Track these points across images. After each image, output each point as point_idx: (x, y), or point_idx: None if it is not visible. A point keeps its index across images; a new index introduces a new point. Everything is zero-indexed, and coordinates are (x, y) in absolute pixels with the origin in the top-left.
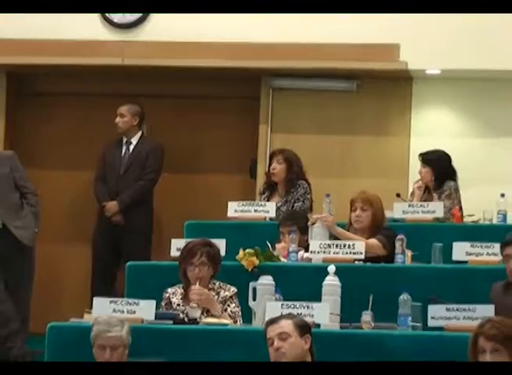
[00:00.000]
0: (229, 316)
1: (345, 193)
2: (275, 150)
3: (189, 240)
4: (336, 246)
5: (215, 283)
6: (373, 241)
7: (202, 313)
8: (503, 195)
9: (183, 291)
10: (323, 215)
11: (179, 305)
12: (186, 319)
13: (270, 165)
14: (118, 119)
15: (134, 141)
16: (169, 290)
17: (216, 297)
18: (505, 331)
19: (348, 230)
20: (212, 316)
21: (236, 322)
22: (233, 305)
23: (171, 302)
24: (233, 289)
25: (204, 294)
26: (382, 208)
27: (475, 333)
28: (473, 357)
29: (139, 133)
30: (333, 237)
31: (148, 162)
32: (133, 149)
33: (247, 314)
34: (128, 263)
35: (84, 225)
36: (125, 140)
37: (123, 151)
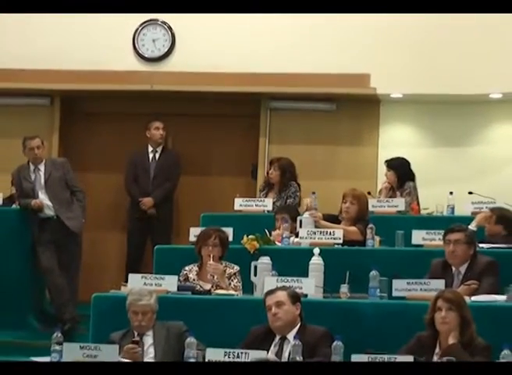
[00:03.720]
0: (233, 288)
1: (327, 191)
2: (273, 159)
3: (204, 228)
4: (320, 233)
5: (222, 263)
6: (354, 228)
7: (212, 287)
8: (451, 193)
9: (197, 268)
10: (312, 212)
11: (194, 279)
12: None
13: (270, 169)
14: (160, 132)
15: (159, 150)
16: (186, 267)
17: (224, 273)
18: (458, 297)
19: (338, 217)
20: (221, 288)
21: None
22: (236, 280)
23: (188, 278)
24: (237, 267)
25: (219, 268)
26: (366, 204)
27: (436, 297)
28: (431, 313)
29: (162, 144)
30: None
31: (173, 168)
32: (159, 157)
33: (250, 287)
34: (156, 247)
35: (119, 216)
36: (151, 149)
37: (151, 158)
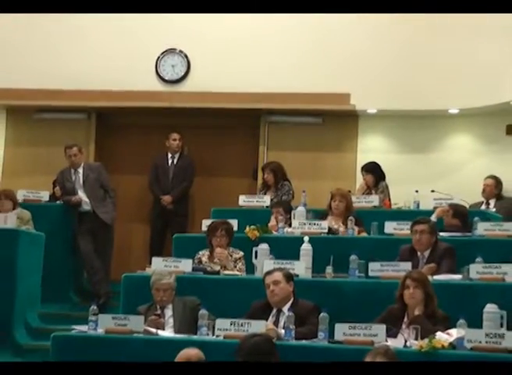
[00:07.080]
0: (238, 270)
1: (315, 190)
2: (264, 165)
3: (214, 220)
4: (309, 224)
5: (229, 249)
6: (363, 233)
7: (221, 268)
8: (416, 191)
9: (208, 253)
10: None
11: (206, 262)
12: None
13: (263, 174)
14: (176, 142)
15: (176, 156)
16: (200, 252)
17: (230, 258)
18: (423, 277)
19: (327, 213)
20: (227, 269)
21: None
22: (240, 263)
23: (201, 261)
24: (241, 253)
25: (224, 254)
26: (351, 200)
27: (405, 276)
28: (401, 290)
29: (179, 151)
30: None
31: (188, 171)
32: (177, 162)
33: (251, 268)
34: (174, 235)
35: (144, 210)
36: (170, 155)
37: (170, 163)
